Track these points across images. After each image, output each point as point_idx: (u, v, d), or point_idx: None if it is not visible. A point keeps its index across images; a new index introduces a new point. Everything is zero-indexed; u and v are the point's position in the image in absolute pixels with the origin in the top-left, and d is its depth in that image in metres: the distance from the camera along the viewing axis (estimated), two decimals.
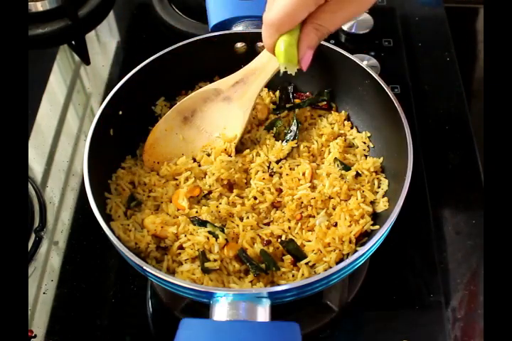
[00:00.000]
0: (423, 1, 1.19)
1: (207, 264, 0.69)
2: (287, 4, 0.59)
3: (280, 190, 0.78)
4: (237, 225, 0.74)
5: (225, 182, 0.78)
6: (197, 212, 0.74)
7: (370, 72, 0.78)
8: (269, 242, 0.73)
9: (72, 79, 1.10)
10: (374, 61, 1.04)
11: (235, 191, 0.77)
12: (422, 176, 0.92)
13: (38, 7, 1.12)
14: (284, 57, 0.64)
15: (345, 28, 1.09)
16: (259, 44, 0.85)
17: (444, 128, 0.99)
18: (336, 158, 0.79)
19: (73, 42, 1.16)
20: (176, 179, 0.79)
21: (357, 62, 0.80)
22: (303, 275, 0.70)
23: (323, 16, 0.62)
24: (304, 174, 0.78)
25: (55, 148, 0.99)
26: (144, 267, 0.64)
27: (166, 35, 1.15)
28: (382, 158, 0.80)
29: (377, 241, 0.65)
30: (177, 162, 0.80)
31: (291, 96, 0.88)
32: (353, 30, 1.09)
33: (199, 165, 0.80)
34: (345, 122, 0.86)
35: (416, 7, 1.18)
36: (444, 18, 1.15)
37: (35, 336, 0.78)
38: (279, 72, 0.81)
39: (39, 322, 0.79)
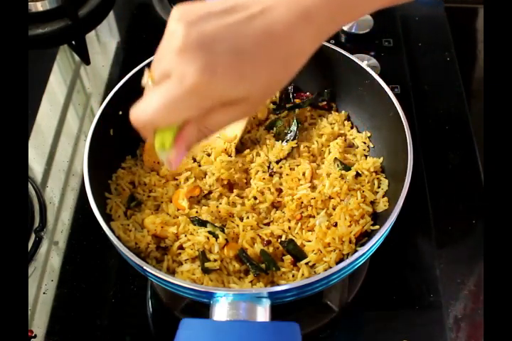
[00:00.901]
0: (423, 1, 1.19)
1: (207, 264, 0.69)
2: (156, 105, 0.49)
3: (280, 190, 0.78)
4: (237, 225, 0.74)
5: (225, 182, 0.78)
6: (197, 212, 0.74)
7: (370, 72, 0.78)
8: (269, 242, 0.73)
9: (72, 79, 1.10)
10: (374, 61, 1.04)
11: (235, 191, 0.77)
12: (422, 176, 0.92)
13: (38, 7, 1.12)
14: (162, 155, 0.55)
15: (345, 28, 1.09)
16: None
17: (444, 128, 0.99)
18: (336, 158, 0.79)
19: (73, 42, 1.16)
20: (176, 179, 0.79)
21: (357, 62, 0.80)
22: (303, 275, 0.70)
23: (210, 118, 0.52)
24: (304, 174, 0.78)
25: (55, 148, 0.99)
26: (144, 267, 0.64)
27: None
28: (382, 158, 0.80)
29: (377, 241, 0.65)
30: None
31: (291, 96, 0.88)
32: (353, 30, 1.09)
33: (199, 165, 0.80)
34: (345, 122, 0.86)
35: (416, 7, 1.18)
36: (444, 18, 1.15)
37: (35, 336, 0.78)
38: None
39: (39, 322, 0.79)
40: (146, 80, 0.54)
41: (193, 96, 0.48)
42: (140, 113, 0.51)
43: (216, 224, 0.73)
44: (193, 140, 0.54)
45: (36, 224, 0.88)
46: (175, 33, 0.48)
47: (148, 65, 0.81)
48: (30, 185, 0.91)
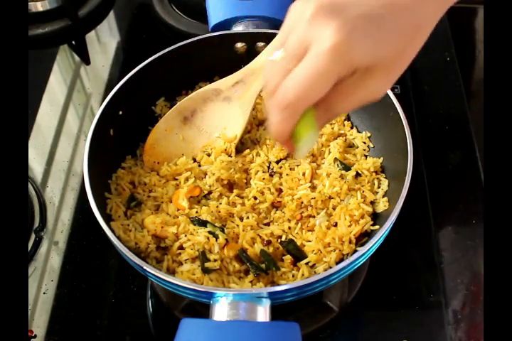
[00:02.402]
0: None
1: (207, 264, 0.69)
2: (307, 78, 0.49)
3: (280, 190, 0.78)
4: (237, 225, 0.74)
5: (225, 182, 0.78)
6: (197, 212, 0.74)
7: None
8: (269, 242, 0.73)
9: (72, 79, 1.10)
10: None
11: (235, 191, 0.77)
12: (422, 176, 0.92)
13: (38, 7, 1.12)
14: (312, 139, 0.54)
15: None
16: (259, 44, 0.85)
17: (444, 128, 0.99)
18: (335, 158, 0.79)
19: (73, 42, 1.16)
20: (176, 179, 0.79)
21: None
22: (303, 275, 0.70)
23: (335, 97, 0.52)
24: (303, 174, 0.78)
25: (55, 148, 0.99)
26: (144, 267, 0.64)
27: (166, 35, 1.15)
28: (382, 158, 0.80)
29: (377, 241, 0.65)
30: (177, 162, 0.80)
31: None
32: None
33: (199, 165, 0.80)
34: (345, 122, 0.86)
35: None
36: (444, 18, 1.15)
37: (35, 336, 0.78)
38: None
39: (39, 322, 0.79)
40: (268, 54, 0.54)
41: (335, 59, 0.48)
42: (292, 89, 0.49)
43: (216, 224, 0.73)
44: (325, 122, 0.55)
45: (36, 224, 0.88)
46: (306, 4, 0.50)
47: (149, 64, 0.81)
48: (30, 185, 0.91)
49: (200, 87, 0.85)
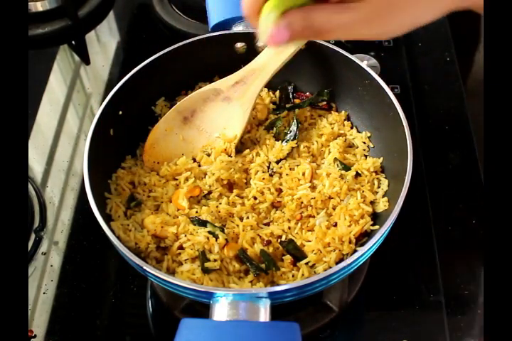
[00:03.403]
0: None
1: (207, 264, 0.69)
2: None
3: (280, 190, 0.78)
4: (237, 225, 0.74)
5: (225, 182, 0.78)
6: (197, 212, 0.74)
7: (370, 72, 0.78)
8: (269, 242, 0.73)
9: (72, 79, 1.10)
10: (374, 61, 1.04)
11: (235, 191, 0.77)
12: (422, 176, 0.92)
13: (38, 7, 1.12)
14: (267, 20, 0.53)
15: None
16: (260, 44, 0.85)
17: (444, 128, 0.99)
18: (335, 158, 0.79)
19: (73, 42, 1.16)
20: (176, 179, 0.79)
21: (357, 62, 0.80)
22: (303, 275, 0.70)
23: (317, 10, 0.51)
24: (303, 174, 0.78)
25: (55, 148, 0.99)
26: (144, 267, 0.64)
27: (166, 35, 1.15)
28: (382, 158, 0.80)
29: (377, 241, 0.65)
30: (177, 162, 0.80)
31: (291, 96, 0.88)
32: None
33: (199, 165, 0.80)
34: (345, 122, 0.86)
35: None
36: (444, 18, 1.15)
37: (35, 336, 0.78)
38: (279, 72, 0.81)
39: (39, 322, 0.79)
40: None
41: None
42: None
43: (216, 224, 0.73)
44: (297, 28, 0.53)
45: (36, 224, 0.88)
46: None
47: (149, 64, 0.81)
48: (30, 185, 0.91)
49: (200, 87, 0.85)
